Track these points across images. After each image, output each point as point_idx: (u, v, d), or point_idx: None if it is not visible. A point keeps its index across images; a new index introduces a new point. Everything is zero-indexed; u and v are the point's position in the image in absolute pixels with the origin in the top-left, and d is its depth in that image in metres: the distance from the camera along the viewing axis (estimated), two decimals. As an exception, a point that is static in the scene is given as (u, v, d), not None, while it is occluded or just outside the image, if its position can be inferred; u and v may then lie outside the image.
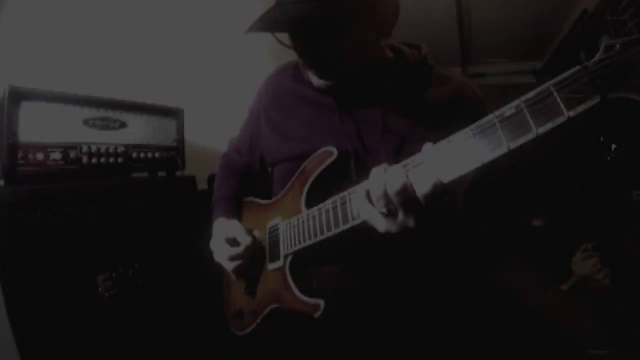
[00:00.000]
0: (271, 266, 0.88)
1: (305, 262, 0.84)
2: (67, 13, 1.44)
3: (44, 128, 1.08)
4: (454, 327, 0.82)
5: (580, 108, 0.44)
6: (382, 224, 0.60)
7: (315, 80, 0.81)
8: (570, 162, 3.40)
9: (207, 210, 1.09)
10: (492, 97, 0.85)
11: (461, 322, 0.84)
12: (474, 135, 0.52)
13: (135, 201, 1.25)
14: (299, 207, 0.81)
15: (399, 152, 0.78)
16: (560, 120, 0.45)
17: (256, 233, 0.95)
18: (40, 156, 1.06)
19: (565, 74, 0.46)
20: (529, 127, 0.47)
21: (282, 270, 0.83)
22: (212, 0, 2.07)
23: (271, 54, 2.26)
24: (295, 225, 0.80)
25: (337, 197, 0.70)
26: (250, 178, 1.10)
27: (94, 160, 1.16)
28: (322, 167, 0.79)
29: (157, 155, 1.35)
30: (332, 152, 0.78)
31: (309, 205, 0.79)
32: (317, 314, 0.73)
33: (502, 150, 0.49)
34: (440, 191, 0.54)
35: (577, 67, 0.45)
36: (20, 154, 1.02)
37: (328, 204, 0.72)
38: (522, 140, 0.47)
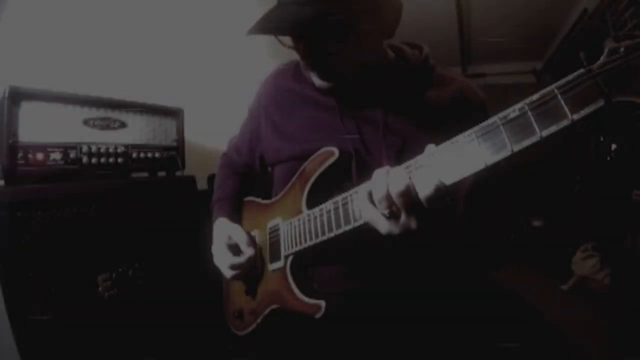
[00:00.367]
0: (272, 266, 0.87)
1: (306, 262, 0.84)
2: (67, 13, 1.44)
3: (44, 128, 1.07)
4: (453, 328, 0.82)
5: (585, 111, 0.44)
6: (384, 226, 0.60)
7: (317, 82, 0.80)
8: (570, 162, 3.40)
9: (207, 211, 1.09)
10: (492, 97, 0.85)
11: (461, 323, 0.84)
12: (477, 138, 0.52)
13: (135, 201, 1.24)
14: (299, 208, 0.81)
15: (401, 152, 0.78)
16: (564, 123, 0.45)
17: (256, 233, 0.95)
18: (40, 156, 1.06)
19: (569, 77, 0.45)
20: (533, 130, 0.46)
21: (282, 270, 0.83)
22: (212, 0, 2.07)
23: (271, 53, 2.26)
24: (296, 225, 0.80)
25: (338, 198, 0.70)
26: (250, 178, 1.10)
27: (94, 160, 1.16)
28: (323, 167, 0.79)
29: (157, 155, 1.35)
30: (333, 152, 0.78)
31: (310, 205, 0.79)
32: (318, 315, 0.73)
33: (505, 152, 0.49)
34: (443, 193, 0.54)
35: (581, 70, 0.45)
36: (20, 154, 1.02)
37: (329, 204, 0.71)
38: (526, 143, 0.47)
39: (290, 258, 0.82)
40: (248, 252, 0.89)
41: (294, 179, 0.85)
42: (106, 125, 1.21)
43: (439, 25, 3.64)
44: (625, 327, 1.99)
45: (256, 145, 1.01)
